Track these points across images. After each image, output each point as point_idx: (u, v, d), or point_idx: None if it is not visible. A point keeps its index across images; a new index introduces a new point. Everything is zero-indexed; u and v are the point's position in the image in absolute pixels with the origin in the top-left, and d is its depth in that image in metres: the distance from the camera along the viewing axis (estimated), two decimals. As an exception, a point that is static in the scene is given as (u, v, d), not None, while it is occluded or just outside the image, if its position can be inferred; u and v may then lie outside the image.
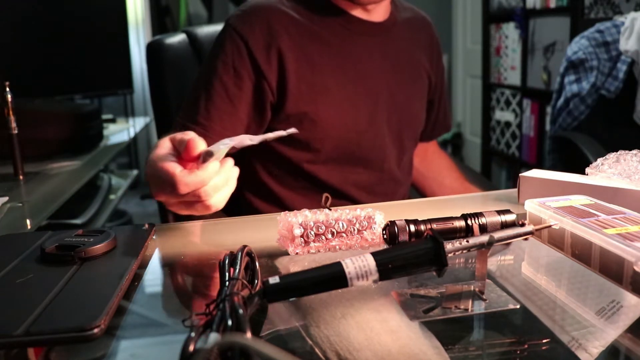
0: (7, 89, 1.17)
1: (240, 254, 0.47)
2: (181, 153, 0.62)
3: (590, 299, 0.49)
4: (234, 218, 0.77)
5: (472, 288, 0.50)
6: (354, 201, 1.01)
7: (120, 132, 2.05)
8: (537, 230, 0.53)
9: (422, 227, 0.57)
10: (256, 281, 0.48)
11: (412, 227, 0.57)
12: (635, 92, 1.77)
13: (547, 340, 0.43)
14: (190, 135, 0.61)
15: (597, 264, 0.52)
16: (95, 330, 0.41)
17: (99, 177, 2.14)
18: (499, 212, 0.59)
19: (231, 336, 0.33)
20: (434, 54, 1.12)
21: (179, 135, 0.63)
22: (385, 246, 0.58)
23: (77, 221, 1.66)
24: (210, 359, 0.32)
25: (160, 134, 0.69)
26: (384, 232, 0.57)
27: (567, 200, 0.62)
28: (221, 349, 0.32)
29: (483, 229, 0.57)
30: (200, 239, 0.70)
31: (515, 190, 0.77)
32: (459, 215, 0.59)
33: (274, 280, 0.44)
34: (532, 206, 0.61)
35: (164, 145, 0.64)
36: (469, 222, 0.58)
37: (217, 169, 0.60)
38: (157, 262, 0.61)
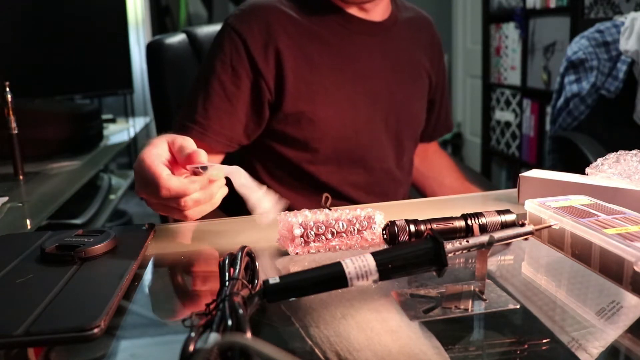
0: (7, 89, 1.17)
1: (240, 254, 0.47)
2: (177, 158, 0.62)
3: (590, 299, 0.49)
4: (234, 218, 0.77)
5: (472, 288, 0.50)
6: (354, 201, 1.01)
7: (120, 132, 2.05)
8: (537, 230, 0.53)
9: (422, 227, 0.57)
10: (256, 281, 0.48)
11: (412, 227, 0.57)
12: (635, 92, 1.77)
13: (547, 340, 0.43)
14: (193, 146, 0.62)
15: (597, 264, 0.52)
16: (95, 330, 0.41)
17: (99, 177, 2.14)
18: (499, 212, 0.59)
19: (231, 336, 0.33)
20: (434, 53, 1.12)
21: (179, 140, 0.63)
22: (385, 246, 0.58)
23: (77, 221, 1.66)
24: (210, 359, 0.32)
25: (160, 134, 0.69)
26: (384, 232, 0.57)
27: (567, 200, 0.62)
28: (221, 349, 0.32)
29: (483, 229, 0.57)
30: (200, 239, 0.70)
31: (515, 190, 0.77)
32: (459, 215, 0.59)
33: (274, 280, 0.44)
34: (532, 206, 0.61)
35: (159, 146, 0.64)
36: (469, 222, 0.58)
37: (203, 184, 0.61)
38: (157, 262, 0.61)
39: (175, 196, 0.60)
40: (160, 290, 0.56)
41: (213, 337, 0.33)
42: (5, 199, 1.02)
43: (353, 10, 0.98)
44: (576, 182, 0.70)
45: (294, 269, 0.56)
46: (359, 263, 0.45)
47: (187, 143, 0.63)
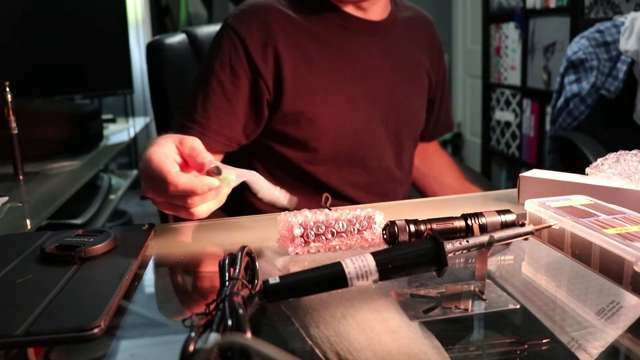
0: (7, 89, 1.17)
1: (240, 254, 0.47)
2: (188, 159, 0.62)
3: (590, 299, 0.49)
4: (234, 218, 0.77)
5: (472, 288, 0.50)
6: (354, 201, 1.01)
7: (120, 132, 2.05)
8: (537, 230, 0.53)
9: (422, 227, 0.57)
10: (256, 281, 0.48)
11: (412, 227, 0.57)
12: (635, 92, 1.77)
13: (547, 340, 0.43)
14: (201, 147, 0.63)
15: (597, 264, 0.52)
16: (95, 330, 0.41)
17: (99, 177, 2.14)
18: (499, 212, 0.59)
19: (231, 336, 0.33)
20: (434, 53, 1.12)
21: (188, 141, 0.63)
22: (385, 246, 0.58)
23: (77, 221, 1.66)
24: (210, 359, 0.32)
25: (160, 134, 0.69)
26: (384, 232, 0.57)
27: (567, 200, 0.62)
28: (221, 349, 0.32)
29: (483, 229, 0.57)
30: (200, 239, 0.70)
31: (515, 190, 0.77)
32: (459, 215, 0.59)
33: (274, 280, 0.44)
34: (532, 206, 0.61)
35: (165, 145, 0.64)
36: (469, 222, 0.58)
37: (214, 186, 0.60)
38: (157, 262, 0.61)
39: (183, 193, 0.59)
40: (160, 290, 0.56)
41: (213, 337, 0.33)
42: (5, 199, 1.02)
43: (351, 10, 0.98)
44: (576, 182, 0.70)
45: (294, 269, 0.56)
46: (359, 263, 0.45)
47: (197, 144, 0.63)
